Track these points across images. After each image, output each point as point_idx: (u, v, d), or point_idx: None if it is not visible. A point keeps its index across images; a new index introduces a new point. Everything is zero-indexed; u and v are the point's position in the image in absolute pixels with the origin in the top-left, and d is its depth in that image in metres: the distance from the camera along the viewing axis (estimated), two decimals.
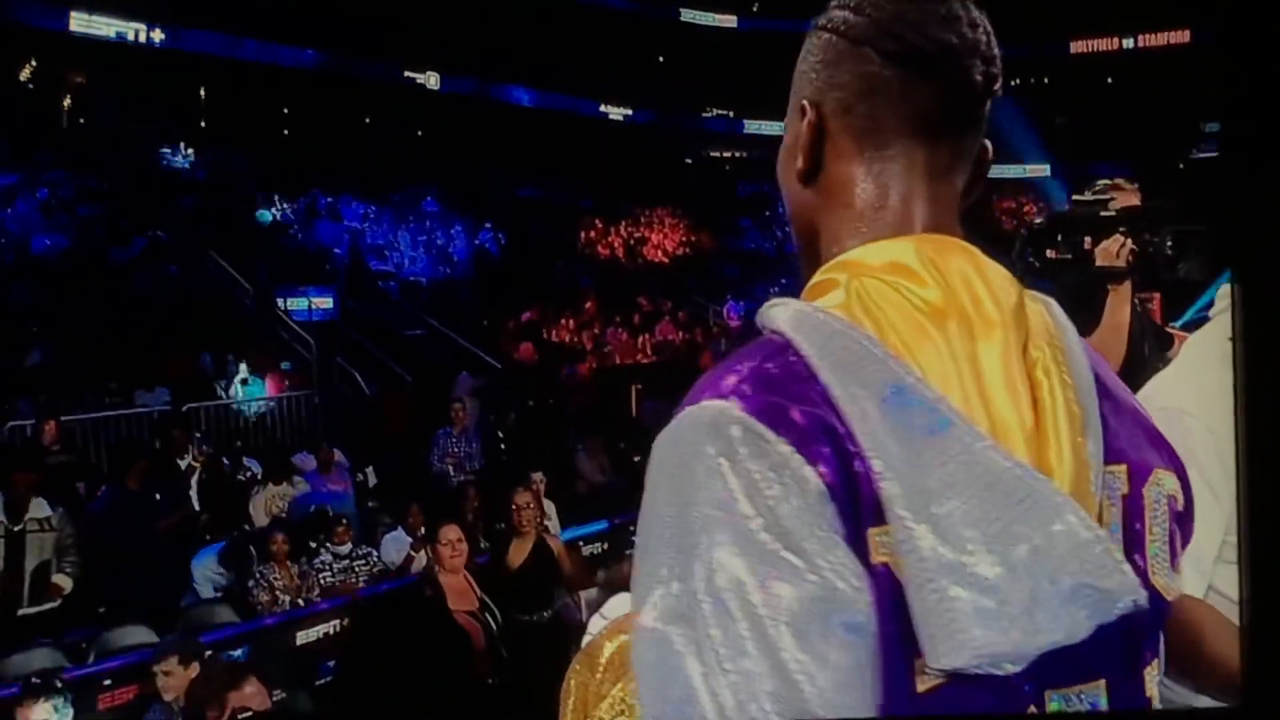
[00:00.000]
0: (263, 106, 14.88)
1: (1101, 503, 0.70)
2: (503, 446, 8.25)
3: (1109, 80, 18.48)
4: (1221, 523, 1.27)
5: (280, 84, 14.87)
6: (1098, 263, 1.89)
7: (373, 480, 8.00)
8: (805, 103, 0.78)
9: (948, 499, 0.62)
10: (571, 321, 13.14)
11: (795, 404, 0.63)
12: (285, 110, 15.78)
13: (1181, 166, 14.66)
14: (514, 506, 4.88)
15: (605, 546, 6.00)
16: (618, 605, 1.23)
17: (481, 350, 11.33)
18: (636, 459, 7.76)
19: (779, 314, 0.69)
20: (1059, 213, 2.00)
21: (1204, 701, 1.01)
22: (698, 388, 0.66)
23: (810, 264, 0.78)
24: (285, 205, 13.66)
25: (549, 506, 6.20)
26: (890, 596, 0.62)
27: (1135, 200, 2.27)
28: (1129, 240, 1.89)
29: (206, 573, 5.80)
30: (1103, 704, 0.69)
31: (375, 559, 6.11)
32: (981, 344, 0.68)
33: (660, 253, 17.90)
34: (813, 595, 0.59)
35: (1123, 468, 0.72)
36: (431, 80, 17.33)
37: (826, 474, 0.61)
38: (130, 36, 13.43)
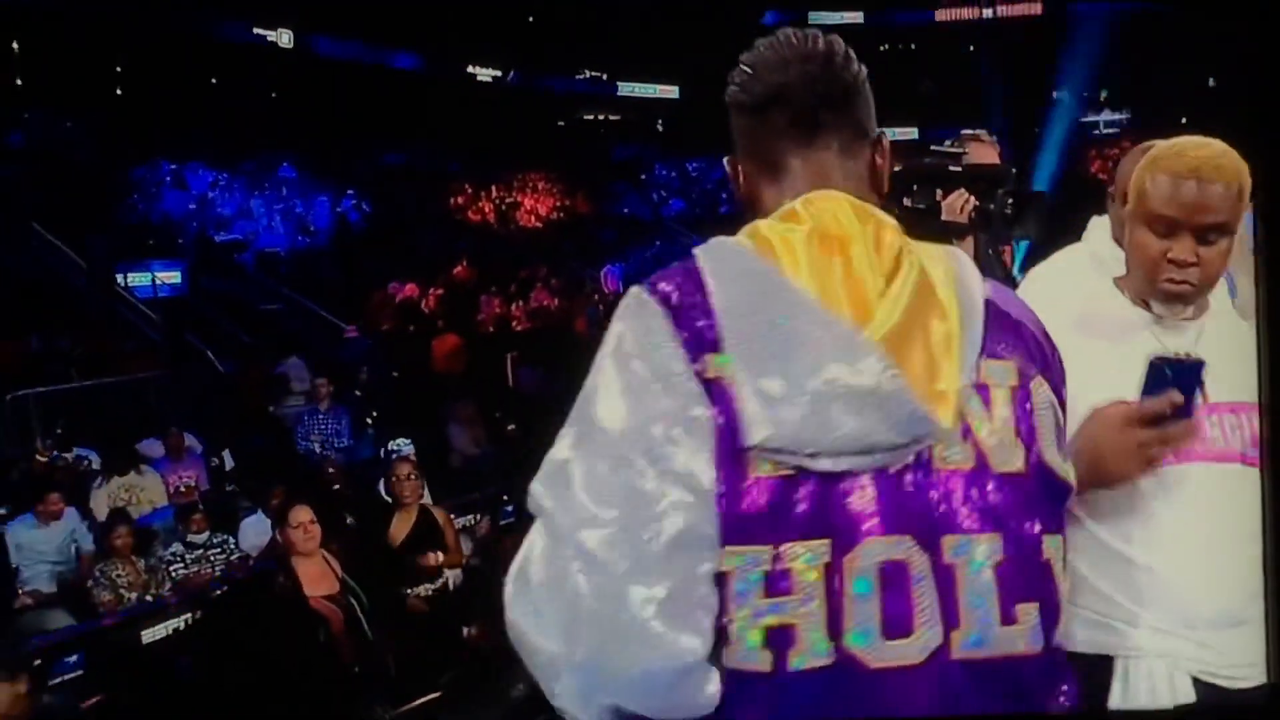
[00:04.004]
0: (92, 64, 13.60)
1: (988, 385, 0.92)
2: (370, 421, 7.91)
3: (971, 48, 19.37)
4: None
5: (113, 39, 13.61)
6: (943, 216, 1.91)
7: (230, 464, 7.55)
8: (728, 158, 1.06)
9: (767, 332, 0.87)
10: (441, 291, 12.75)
11: (675, 288, 0.92)
12: (119, 69, 14.53)
13: (1038, 130, 15.46)
14: (394, 478, 4.78)
15: (478, 518, 5.83)
16: None
17: (346, 323, 10.84)
18: (511, 428, 7.59)
19: (703, 245, 0.96)
20: (914, 163, 1.97)
21: None
22: None
23: None
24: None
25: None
26: (726, 402, 0.87)
27: (992, 156, 2.27)
28: (972, 197, 1.92)
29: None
30: (999, 555, 0.89)
31: (233, 546, 5.77)
32: (835, 252, 0.92)
33: (534, 218, 17.59)
34: (667, 405, 0.88)
35: (1011, 364, 0.94)
36: (284, 38, 16.35)
37: (682, 325, 0.89)
38: None
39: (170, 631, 4.59)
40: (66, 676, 4.11)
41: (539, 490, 0.91)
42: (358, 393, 8.45)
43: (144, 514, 6.17)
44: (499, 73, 19.60)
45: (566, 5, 19.57)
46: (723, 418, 0.86)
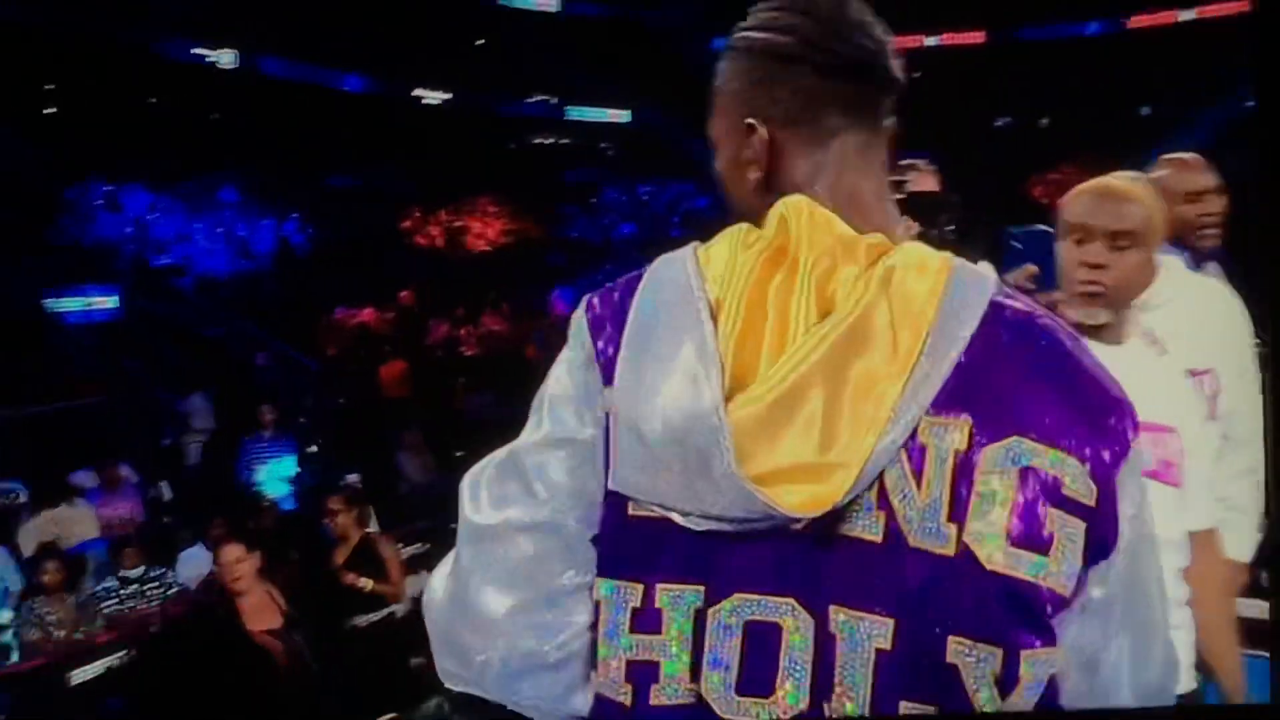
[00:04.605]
0: (22, 80, 13.14)
1: (926, 445, 0.78)
2: (314, 450, 7.74)
3: (916, 74, 19.90)
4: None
5: (44, 54, 13.18)
6: None
7: (168, 495, 7.31)
8: (751, 121, 0.89)
9: (653, 372, 0.82)
10: (391, 315, 12.58)
11: (606, 305, 0.89)
12: (51, 86, 14.10)
13: (980, 156, 15.88)
14: (329, 511, 4.77)
15: (428, 547, 5.72)
16: None
17: (291, 348, 10.61)
18: (460, 454, 7.48)
19: (669, 253, 0.89)
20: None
21: None
22: None
23: None
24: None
25: (367, 510, 5.85)
26: (609, 436, 0.85)
27: (932, 184, 2.34)
28: (914, 224, 1.98)
29: None
30: (884, 642, 0.77)
31: (171, 580, 5.57)
32: (777, 279, 0.82)
33: (483, 242, 17.49)
34: (556, 433, 0.89)
35: (963, 422, 0.78)
36: (226, 58, 16.06)
37: (597, 349, 0.87)
38: None
39: (103, 670, 4.40)
40: None
41: (462, 486, 0.95)
42: (302, 420, 8.27)
43: (71, 546, 5.94)
44: (448, 95, 19.50)
45: (517, 29, 19.61)
46: (604, 453, 0.86)
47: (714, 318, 0.81)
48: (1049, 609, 0.78)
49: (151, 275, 12.23)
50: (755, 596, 0.80)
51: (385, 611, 4.57)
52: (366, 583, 4.56)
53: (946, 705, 0.77)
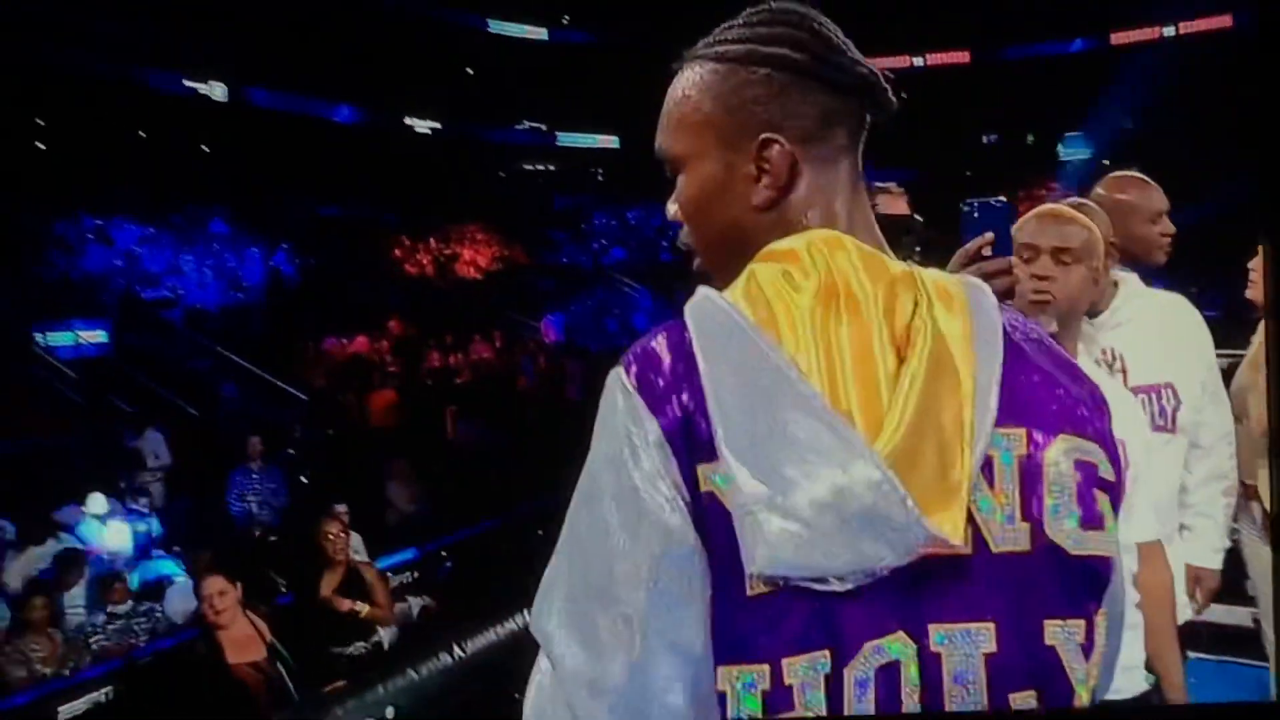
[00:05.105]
0: (12, 114, 13.20)
1: (993, 457, 0.82)
2: (304, 480, 7.73)
3: (902, 94, 20.10)
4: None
5: (36, 90, 13.26)
6: None
7: (157, 529, 7.28)
8: (770, 135, 0.88)
9: (770, 443, 0.77)
10: (383, 344, 12.59)
11: (660, 372, 0.81)
12: (40, 121, 14.16)
13: (969, 174, 16.04)
14: (322, 535, 4.79)
15: (415, 575, 5.71)
16: None
17: (279, 379, 10.61)
18: (450, 484, 7.47)
19: (690, 301, 0.84)
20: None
21: None
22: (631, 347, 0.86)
23: (734, 275, 0.87)
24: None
25: (356, 539, 5.86)
26: (720, 518, 0.79)
27: (901, 206, 2.39)
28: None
29: None
30: (989, 645, 0.80)
31: (159, 615, 5.56)
32: (844, 320, 0.81)
33: (473, 269, 17.54)
34: (639, 518, 0.80)
35: (1021, 431, 0.84)
36: (216, 91, 16.17)
37: (665, 424, 0.80)
38: None
39: (90, 705, 4.39)
40: None
41: (534, 613, 0.86)
42: (290, 451, 8.26)
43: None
44: (438, 124, 19.64)
45: (506, 56, 19.77)
46: (714, 542, 0.79)
47: (800, 372, 0.79)
48: (1108, 574, 0.88)
49: (141, 308, 12.21)
50: (876, 642, 0.80)
51: (374, 639, 4.59)
52: (362, 607, 4.59)
53: (1049, 686, 0.83)
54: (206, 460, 8.28)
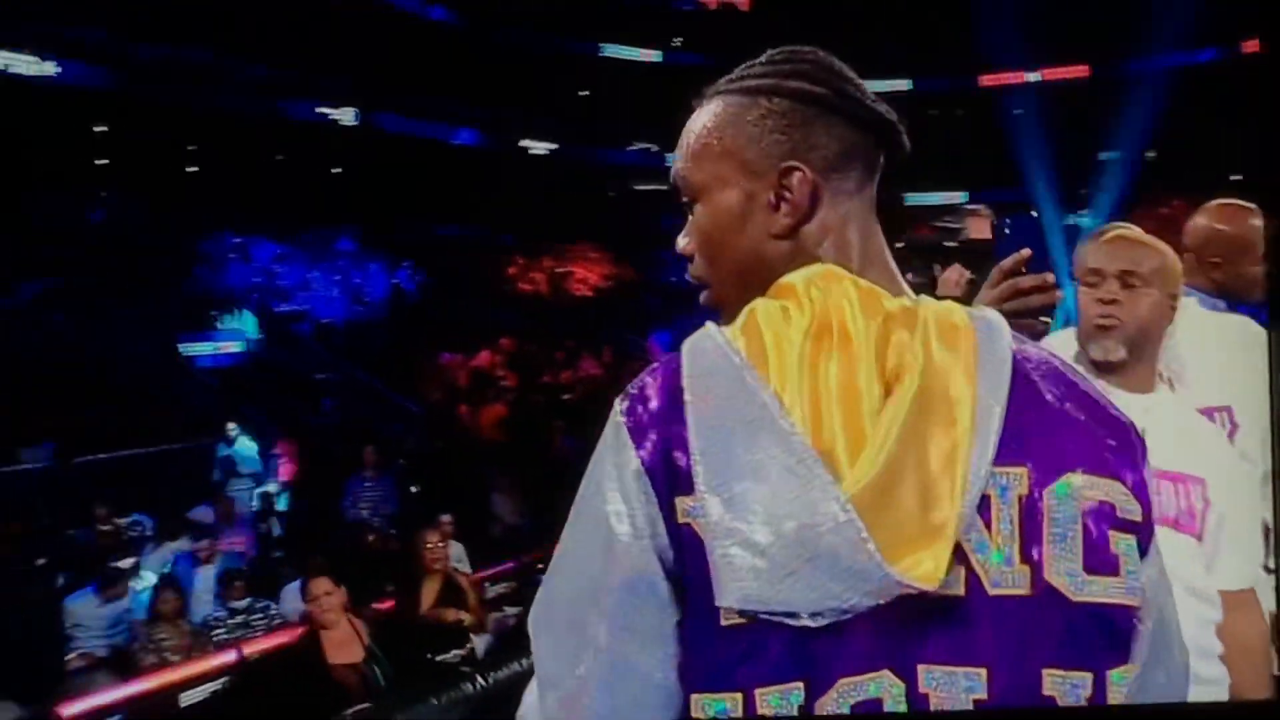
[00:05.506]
0: (165, 144, 14.37)
1: (990, 496, 0.80)
2: (413, 490, 8.04)
3: (1016, 111, 19.47)
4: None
5: (186, 119, 14.40)
6: (938, 291, 1.96)
7: (277, 530, 7.72)
8: (793, 163, 0.89)
9: (744, 478, 0.78)
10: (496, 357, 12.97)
11: (648, 405, 0.83)
12: (191, 148, 15.32)
13: (1083, 192, 15.34)
14: (423, 544, 4.94)
15: (513, 586, 5.86)
16: None
17: (395, 392, 11.08)
18: (551, 498, 7.59)
19: (690, 336, 0.86)
20: (914, 237, 2.04)
21: None
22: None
23: (745, 302, 0.88)
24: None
25: (458, 549, 6.05)
26: (697, 550, 0.80)
27: (987, 230, 2.34)
28: (967, 271, 1.98)
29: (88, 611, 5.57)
30: (980, 690, 0.79)
31: (274, 611, 5.87)
32: (833, 356, 0.81)
33: (585, 287, 17.86)
34: (609, 549, 0.82)
35: (1022, 470, 0.81)
36: (347, 116, 17.09)
37: (647, 457, 0.81)
38: (19, 70, 12.52)
39: (208, 695, 4.68)
40: None
41: (529, 622, 0.90)
42: (401, 461, 8.60)
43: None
44: (553, 145, 20.16)
45: (620, 79, 20.13)
46: (691, 572, 0.80)
47: (783, 406, 0.79)
48: (1128, 625, 0.83)
49: (274, 321, 12.98)
50: (855, 679, 0.79)
51: (468, 646, 4.71)
52: (465, 616, 4.72)
53: None
54: (323, 467, 8.70)
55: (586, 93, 20.46)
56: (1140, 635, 0.85)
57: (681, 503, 0.80)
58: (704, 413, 0.81)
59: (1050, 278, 1.36)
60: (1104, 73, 17.95)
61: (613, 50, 20.65)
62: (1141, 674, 0.86)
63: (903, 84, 19.22)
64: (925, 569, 0.77)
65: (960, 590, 0.79)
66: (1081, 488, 0.82)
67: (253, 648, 5.04)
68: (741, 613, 0.79)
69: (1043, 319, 1.36)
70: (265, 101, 15.35)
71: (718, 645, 0.80)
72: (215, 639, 5.61)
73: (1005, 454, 0.81)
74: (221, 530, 6.97)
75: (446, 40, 16.79)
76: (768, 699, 0.79)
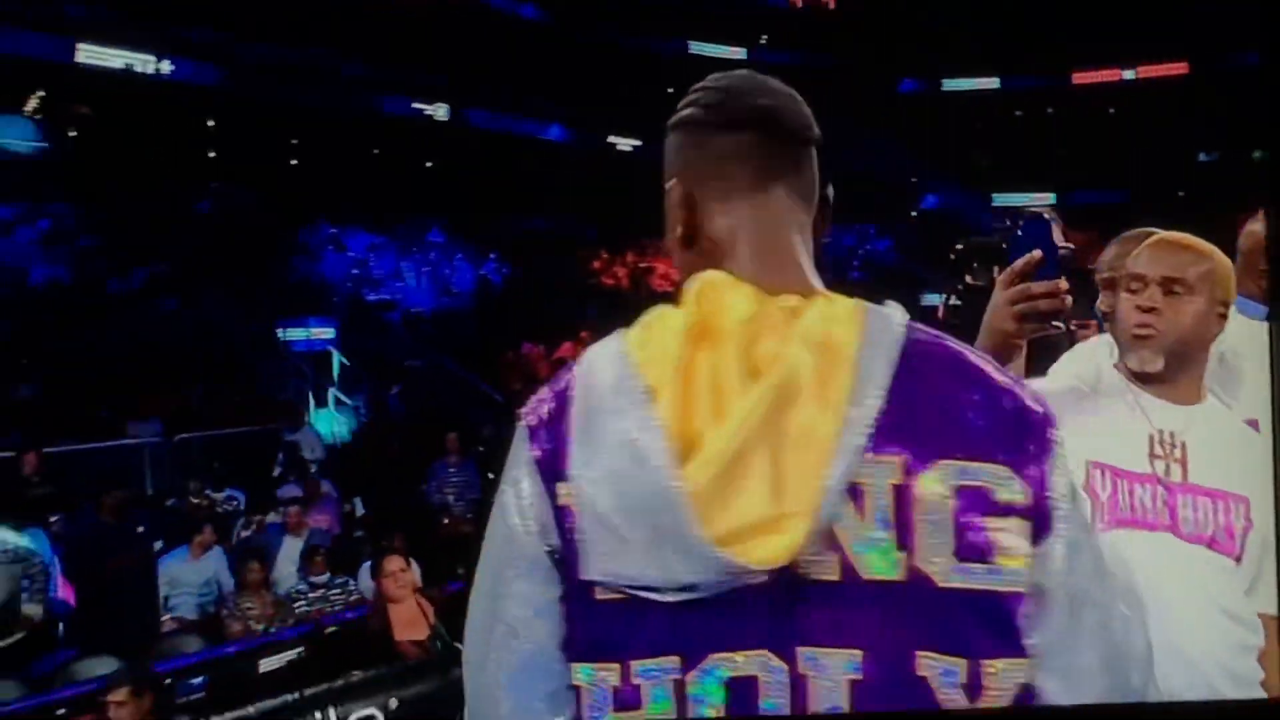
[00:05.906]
0: (269, 138, 15.04)
1: (863, 484, 0.83)
2: (490, 476, 8.22)
3: (1110, 111, 18.57)
4: None
5: (289, 117, 15.03)
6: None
7: (360, 510, 8.00)
8: (669, 182, 0.97)
9: (603, 459, 0.84)
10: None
11: (545, 403, 0.91)
12: (293, 142, 15.97)
13: (1181, 194, 14.58)
14: None
15: None
16: None
17: (480, 379, 11.34)
18: None
19: (599, 342, 0.93)
20: (972, 241, 2.01)
21: None
22: None
23: None
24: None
25: None
26: (571, 530, 0.86)
27: (1058, 235, 2.28)
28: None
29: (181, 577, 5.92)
30: (856, 673, 0.82)
31: (353, 588, 6.10)
32: (705, 350, 0.86)
33: (666, 282, 17.92)
34: (508, 535, 0.90)
35: (897, 459, 0.83)
36: (440, 112, 17.52)
37: (537, 451, 0.89)
38: (138, 68, 13.24)
39: (284, 663, 4.90)
40: (191, 697, 4.47)
41: None
42: (481, 448, 8.81)
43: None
44: (639, 142, 20.25)
45: (704, 76, 20.05)
46: (568, 549, 0.87)
47: (653, 398, 0.84)
48: (1009, 613, 0.84)
49: (365, 309, 13.44)
50: (729, 655, 0.82)
51: None
52: None
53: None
54: (404, 451, 8.97)
55: (673, 90, 20.46)
56: (1037, 622, 0.85)
57: (562, 487, 0.87)
58: (586, 403, 0.87)
59: (1063, 285, 1.32)
60: (1204, 69, 17.06)
61: (699, 48, 20.63)
62: (1065, 658, 0.86)
63: (991, 82, 18.64)
64: (762, 553, 0.80)
65: (836, 576, 0.82)
66: (957, 474, 0.83)
67: (330, 622, 5.25)
68: (613, 588, 0.84)
69: (1054, 324, 1.33)
70: (363, 98, 15.87)
71: (596, 619, 0.86)
72: (297, 610, 5.88)
73: (881, 443, 0.83)
74: (309, 506, 7.28)
75: (537, 38, 17.04)
76: (641, 670, 0.84)
